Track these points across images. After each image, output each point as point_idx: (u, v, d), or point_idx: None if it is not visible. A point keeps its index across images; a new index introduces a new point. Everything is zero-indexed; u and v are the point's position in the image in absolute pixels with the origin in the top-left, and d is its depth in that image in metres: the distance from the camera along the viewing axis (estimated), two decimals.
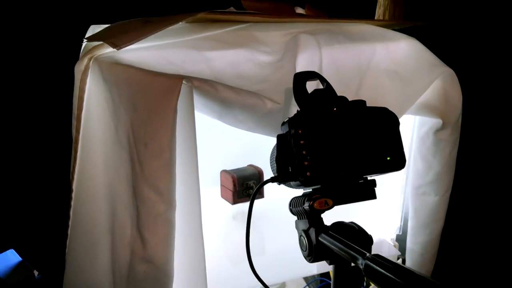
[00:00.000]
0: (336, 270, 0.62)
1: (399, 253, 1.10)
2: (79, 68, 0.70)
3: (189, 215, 0.68)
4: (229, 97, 0.65)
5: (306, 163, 0.58)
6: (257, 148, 0.92)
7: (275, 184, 0.66)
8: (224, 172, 0.96)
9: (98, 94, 0.70)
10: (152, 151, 0.61)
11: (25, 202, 1.24)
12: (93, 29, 0.88)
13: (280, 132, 0.65)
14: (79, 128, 0.71)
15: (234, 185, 0.89)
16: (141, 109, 0.62)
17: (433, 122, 0.90)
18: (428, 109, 0.88)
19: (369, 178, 0.64)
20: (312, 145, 0.59)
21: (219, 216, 1.01)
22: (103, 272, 0.74)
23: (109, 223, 0.72)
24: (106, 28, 0.79)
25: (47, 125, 1.19)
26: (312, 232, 0.60)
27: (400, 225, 1.10)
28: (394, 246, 1.11)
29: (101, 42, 0.70)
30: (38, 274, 1.12)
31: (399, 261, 1.10)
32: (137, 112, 0.63)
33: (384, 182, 1.04)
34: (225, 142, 0.93)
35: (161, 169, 0.62)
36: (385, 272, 0.44)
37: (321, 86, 0.72)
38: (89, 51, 0.70)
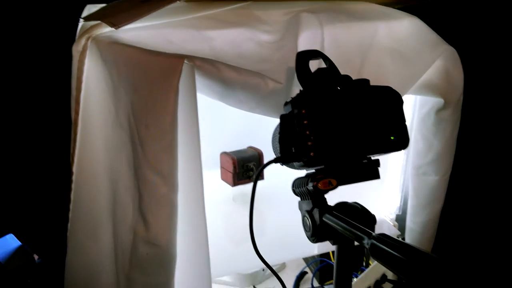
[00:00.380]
0: (339, 250, 0.62)
1: (399, 232, 1.11)
2: (77, 48, 0.68)
3: (192, 197, 0.68)
4: (231, 77, 0.64)
5: (309, 143, 0.58)
6: (257, 130, 0.92)
7: (276, 165, 0.65)
8: (224, 154, 0.95)
9: (97, 75, 0.68)
10: (154, 133, 0.61)
11: (23, 186, 1.23)
12: (89, 9, 0.86)
13: (282, 112, 0.64)
14: (78, 110, 0.70)
15: (234, 167, 0.89)
16: (141, 90, 0.61)
17: (434, 101, 0.90)
18: (430, 88, 0.88)
19: (372, 158, 0.63)
20: (316, 125, 0.58)
21: (219, 198, 1.01)
22: (106, 254, 0.74)
23: (111, 205, 0.71)
24: (103, 7, 0.77)
25: (45, 108, 1.17)
26: (315, 213, 0.60)
27: (400, 205, 1.11)
28: (394, 225, 1.12)
29: (98, 22, 0.68)
30: (38, 258, 1.12)
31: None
32: (137, 92, 0.62)
33: (385, 162, 1.04)
34: (224, 124, 0.93)
35: (163, 152, 0.61)
36: (391, 251, 0.44)
37: (323, 65, 0.71)
38: (86, 30, 0.69)
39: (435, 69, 0.86)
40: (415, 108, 0.97)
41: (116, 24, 0.63)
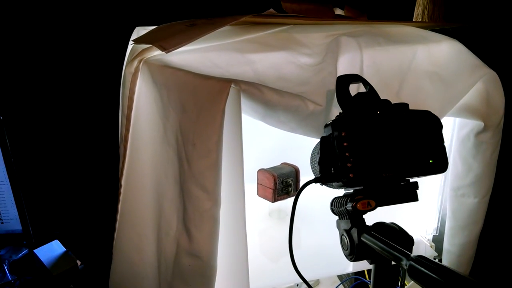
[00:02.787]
0: (376, 270, 0.63)
1: (436, 253, 1.10)
2: (129, 70, 0.73)
3: (233, 212, 0.70)
4: (273, 99, 0.67)
5: (349, 164, 0.60)
6: (288, 146, 0.95)
7: (331, 188, 0.67)
8: (262, 171, 0.98)
9: (148, 95, 0.73)
10: (200, 151, 0.64)
11: (70, 196, 1.29)
12: (138, 31, 0.92)
13: (321, 133, 0.66)
14: (128, 127, 0.74)
15: (275, 183, 0.91)
16: (190, 111, 0.65)
17: (474, 124, 0.89)
18: (469, 112, 0.87)
19: (411, 180, 0.65)
20: (355, 147, 0.60)
21: (255, 213, 1.03)
22: (149, 264, 0.77)
23: (156, 217, 0.75)
24: (152, 30, 0.82)
25: (94, 123, 1.23)
26: (354, 232, 0.61)
27: (437, 226, 1.10)
28: (431, 246, 1.11)
29: (149, 45, 0.73)
30: (80, 264, 1.16)
31: None
32: (186, 113, 0.66)
33: (422, 182, 1.03)
34: (256, 141, 0.95)
35: (208, 169, 0.64)
36: (430, 273, 0.45)
37: (362, 89, 0.73)
38: (138, 54, 0.73)
39: (475, 92, 0.86)
40: (454, 130, 0.97)
41: (166, 48, 0.67)
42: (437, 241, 1.10)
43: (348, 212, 0.62)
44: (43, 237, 1.21)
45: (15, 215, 1.17)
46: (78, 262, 1.15)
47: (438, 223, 1.09)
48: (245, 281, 0.73)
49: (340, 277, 1.18)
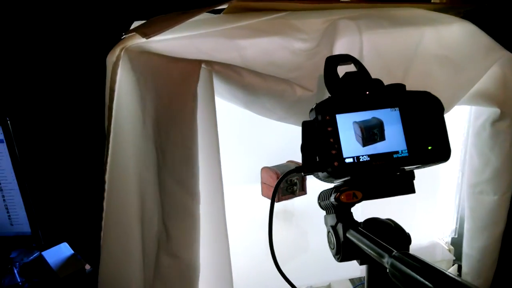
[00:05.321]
0: (369, 272, 0.57)
1: (454, 257, 1.02)
2: (111, 59, 0.70)
3: (213, 210, 0.66)
4: (254, 83, 0.62)
5: (333, 152, 0.53)
6: (295, 143, 0.89)
7: (319, 180, 0.61)
8: (266, 169, 0.93)
9: (128, 84, 0.69)
10: (174, 139, 0.60)
11: (77, 197, 1.28)
12: (135, 25, 0.89)
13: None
14: (110, 119, 0.71)
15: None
16: (163, 97, 0.61)
17: (490, 112, 0.83)
18: (484, 98, 0.81)
19: (406, 169, 0.57)
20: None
21: (260, 214, 0.98)
22: (135, 263, 0.74)
23: (140, 214, 0.72)
24: (147, 21, 0.79)
25: (101, 122, 1.22)
26: (339, 228, 0.55)
27: (456, 227, 1.03)
28: (449, 250, 1.03)
29: (133, 33, 0.70)
30: (89, 268, 1.15)
31: (455, 267, 1.02)
32: (160, 99, 0.62)
33: (438, 179, 0.98)
34: (263, 139, 0.91)
35: (183, 159, 0.60)
36: (412, 273, 0.38)
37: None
38: (121, 42, 0.71)
39: (490, 77, 0.80)
40: (470, 121, 0.90)
41: (147, 34, 0.64)
42: (456, 244, 1.03)
43: (333, 206, 0.56)
44: (52, 240, 1.20)
45: (24, 217, 1.17)
46: (87, 266, 1.14)
47: (456, 224, 1.02)
48: (228, 282, 0.68)
49: (352, 281, 1.11)
